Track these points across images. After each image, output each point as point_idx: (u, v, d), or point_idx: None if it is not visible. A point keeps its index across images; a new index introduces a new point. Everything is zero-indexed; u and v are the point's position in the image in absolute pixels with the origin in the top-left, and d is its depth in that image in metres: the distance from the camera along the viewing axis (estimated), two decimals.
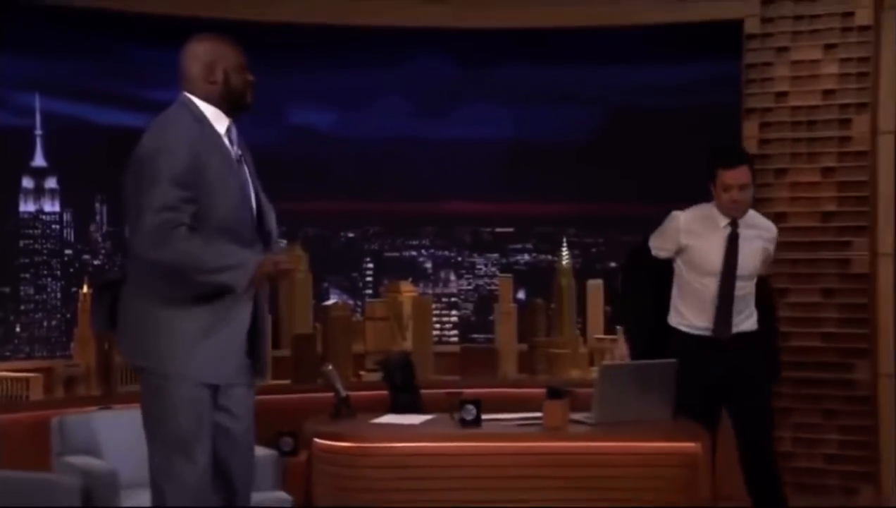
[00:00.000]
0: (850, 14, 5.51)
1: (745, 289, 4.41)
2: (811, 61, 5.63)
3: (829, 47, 5.58)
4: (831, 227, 5.62)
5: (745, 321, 4.41)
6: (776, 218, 5.65)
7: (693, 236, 4.44)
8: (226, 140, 3.24)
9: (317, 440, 4.22)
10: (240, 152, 3.27)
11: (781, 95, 5.68)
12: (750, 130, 5.72)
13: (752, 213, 4.49)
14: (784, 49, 5.67)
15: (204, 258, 3.07)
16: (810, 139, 5.64)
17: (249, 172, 3.29)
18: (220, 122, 3.25)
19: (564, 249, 6.52)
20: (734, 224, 4.40)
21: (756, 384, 4.42)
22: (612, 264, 6.66)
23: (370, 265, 6.92)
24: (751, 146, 5.71)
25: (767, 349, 4.54)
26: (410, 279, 6.69)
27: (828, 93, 5.60)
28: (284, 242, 3.47)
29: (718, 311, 4.35)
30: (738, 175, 4.36)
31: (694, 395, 4.27)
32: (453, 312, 6.86)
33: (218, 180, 3.15)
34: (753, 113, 5.73)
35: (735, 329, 4.37)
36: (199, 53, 3.27)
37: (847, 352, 5.59)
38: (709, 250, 4.39)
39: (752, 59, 5.72)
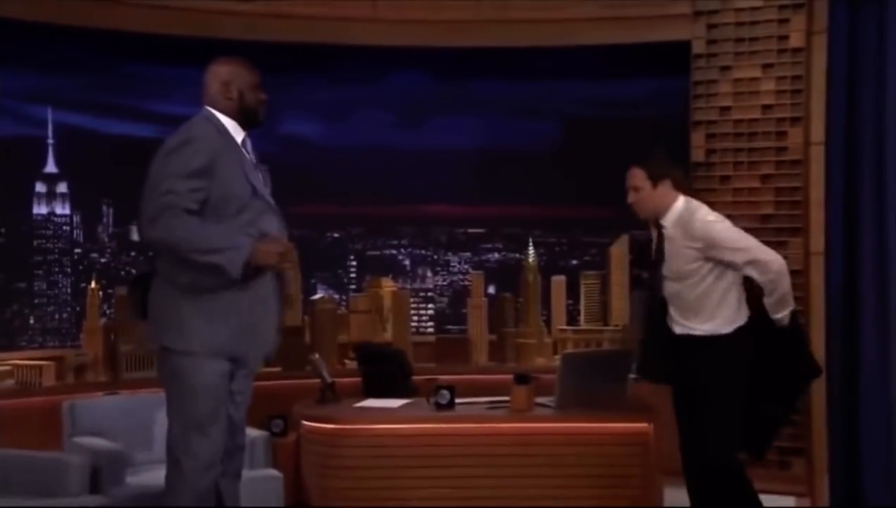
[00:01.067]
0: (786, 37, 5.55)
1: (678, 290, 4.05)
2: (751, 79, 5.65)
3: (766, 67, 5.61)
4: (769, 228, 5.64)
5: (699, 323, 4.00)
6: None
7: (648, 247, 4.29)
8: (242, 149, 3.34)
9: (304, 422, 4.24)
10: (255, 160, 3.37)
11: (725, 109, 5.71)
12: (697, 141, 5.76)
13: (690, 214, 4.09)
14: (727, 68, 5.70)
15: (196, 239, 3.12)
16: (751, 149, 5.67)
17: (264, 179, 3.37)
18: (237, 133, 3.36)
19: (531, 248, 6.55)
20: (659, 225, 4.13)
21: (699, 390, 3.97)
22: (574, 262, 6.70)
23: (354, 263, 6.92)
24: (698, 155, 5.75)
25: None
26: (391, 276, 6.70)
27: (766, 108, 5.63)
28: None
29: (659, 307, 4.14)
30: (628, 178, 4.18)
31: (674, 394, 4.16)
32: (429, 305, 6.88)
33: (233, 179, 3.23)
34: (700, 125, 5.76)
35: (682, 331, 4.03)
36: (219, 73, 3.42)
37: None
38: (650, 253, 4.24)
39: (699, 76, 5.76)
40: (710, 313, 3.98)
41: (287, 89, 6.42)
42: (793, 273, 5.52)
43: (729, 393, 3.90)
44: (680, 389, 4.06)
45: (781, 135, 5.60)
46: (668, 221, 4.08)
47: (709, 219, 4.04)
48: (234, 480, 3.39)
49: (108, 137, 6.32)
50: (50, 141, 6.21)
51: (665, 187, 4.04)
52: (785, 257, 5.53)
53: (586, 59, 6.34)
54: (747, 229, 5.59)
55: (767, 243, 5.54)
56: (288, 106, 6.58)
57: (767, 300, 4.00)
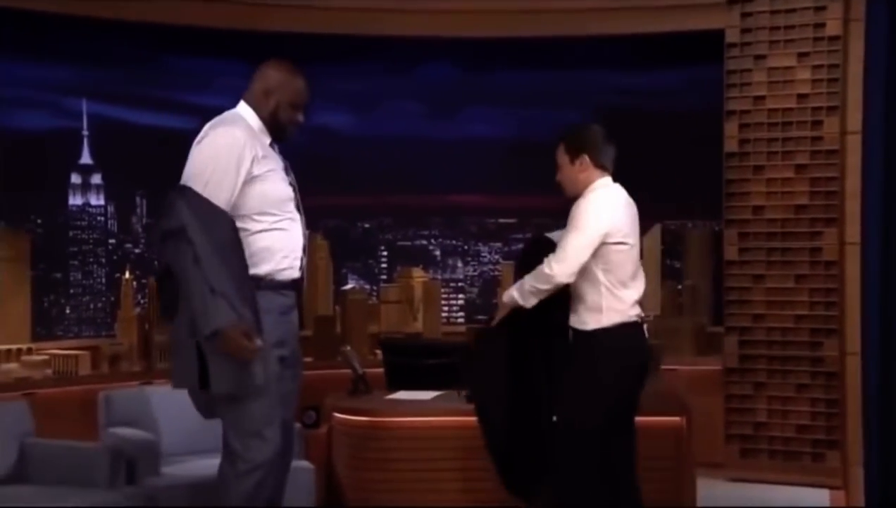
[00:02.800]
0: (822, 25, 5.43)
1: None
2: (786, 68, 5.55)
3: (802, 55, 5.50)
4: (804, 218, 5.56)
5: (571, 312, 3.57)
6: (754, 211, 5.65)
7: None
8: (269, 149, 3.26)
9: (336, 414, 4.20)
10: (284, 166, 3.29)
11: (759, 98, 5.61)
12: (730, 131, 5.65)
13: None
14: (761, 57, 5.59)
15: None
16: (785, 139, 5.57)
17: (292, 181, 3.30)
18: (264, 135, 3.26)
19: None
20: None
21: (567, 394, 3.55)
22: None
23: (384, 253, 6.90)
24: (731, 145, 5.65)
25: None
26: (421, 266, 6.67)
27: (801, 97, 5.52)
28: None
29: None
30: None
31: None
32: (460, 295, 6.83)
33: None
34: (733, 115, 5.66)
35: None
36: (267, 77, 3.29)
37: (817, 332, 5.53)
38: None
39: (733, 65, 5.65)
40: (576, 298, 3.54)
41: (318, 80, 6.35)
42: (827, 264, 5.48)
43: (586, 393, 3.48)
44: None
45: (817, 124, 5.49)
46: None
47: (592, 198, 3.53)
48: (284, 475, 3.34)
49: (142, 129, 6.33)
50: (85, 133, 6.24)
51: (581, 165, 3.55)
52: (819, 248, 5.50)
53: (618, 48, 6.25)
54: (781, 220, 5.59)
55: (801, 234, 5.54)
56: (319, 97, 6.49)
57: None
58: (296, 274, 3.27)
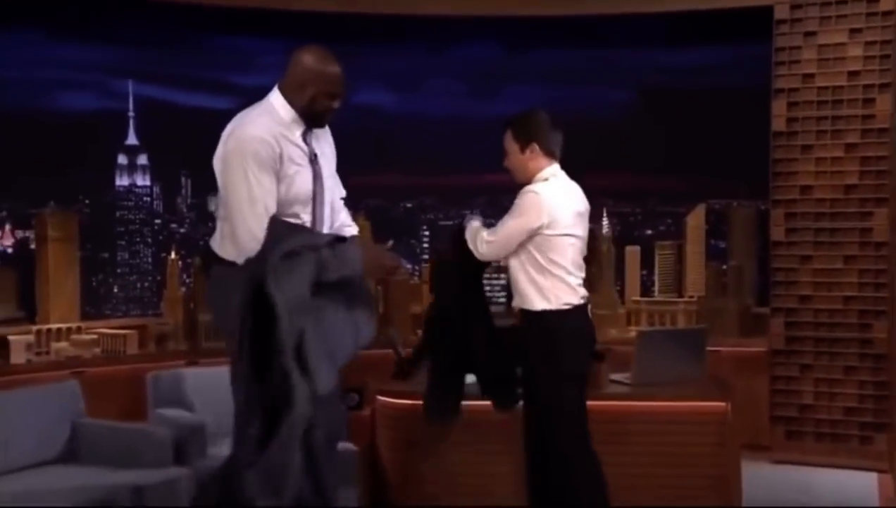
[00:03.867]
0: (875, 0, 5.28)
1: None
2: (837, 45, 5.40)
3: (854, 31, 5.36)
4: (853, 198, 5.44)
5: (516, 294, 3.63)
6: (801, 191, 5.53)
7: None
8: (300, 140, 3.13)
9: (379, 397, 4.19)
10: (315, 152, 3.16)
11: (808, 76, 5.47)
12: (778, 109, 5.53)
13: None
14: (811, 33, 5.45)
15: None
16: (835, 117, 5.44)
17: (326, 170, 3.18)
18: (297, 125, 3.13)
19: (604, 218, 6.40)
20: None
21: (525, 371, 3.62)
22: (649, 232, 6.54)
23: (426, 233, 6.87)
24: (779, 124, 5.53)
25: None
26: None
27: (852, 74, 5.38)
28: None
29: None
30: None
31: None
32: (501, 275, 6.76)
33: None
34: (781, 93, 5.53)
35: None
36: (302, 67, 3.11)
37: (866, 313, 5.43)
38: None
39: (782, 42, 5.51)
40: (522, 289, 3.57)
41: (360, 60, 6.37)
42: (877, 245, 5.36)
43: (542, 372, 3.52)
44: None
45: (868, 102, 5.35)
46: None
47: (530, 189, 3.53)
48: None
49: (187, 110, 6.36)
50: (131, 114, 6.27)
51: (531, 152, 3.54)
52: (869, 228, 5.37)
53: (661, 26, 6.13)
54: (829, 200, 5.46)
55: (851, 214, 5.41)
56: (361, 77, 6.52)
57: None
58: None
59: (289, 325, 2.81)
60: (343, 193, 3.31)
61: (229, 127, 3.11)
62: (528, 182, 3.56)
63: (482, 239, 3.57)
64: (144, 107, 6.28)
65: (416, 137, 6.58)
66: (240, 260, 2.99)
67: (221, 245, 3.12)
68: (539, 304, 3.52)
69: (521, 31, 6.38)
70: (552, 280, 3.51)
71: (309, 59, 3.12)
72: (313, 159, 3.15)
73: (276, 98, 3.15)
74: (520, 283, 3.55)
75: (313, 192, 3.14)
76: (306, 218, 3.12)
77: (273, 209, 3.01)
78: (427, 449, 4.01)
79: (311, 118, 3.15)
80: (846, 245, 5.46)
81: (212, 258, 3.17)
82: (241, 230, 2.99)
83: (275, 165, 3.01)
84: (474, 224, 3.66)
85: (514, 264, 3.56)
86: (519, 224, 3.49)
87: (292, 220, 3.09)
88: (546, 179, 3.54)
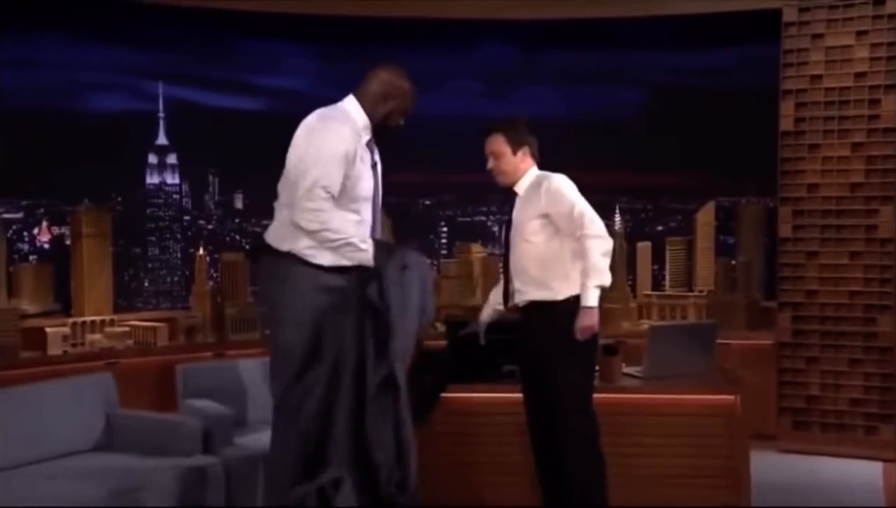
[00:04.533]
0: (882, 3, 5.23)
1: (518, 249, 3.64)
2: (844, 47, 5.36)
3: (860, 34, 5.31)
4: (859, 196, 5.40)
5: (531, 288, 3.61)
6: (808, 189, 5.50)
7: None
8: (366, 146, 3.28)
9: None
10: (376, 160, 3.32)
11: (816, 77, 5.43)
12: (786, 110, 5.49)
13: (542, 177, 3.66)
14: (819, 36, 5.40)
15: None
16: (841, 117, 5.39)
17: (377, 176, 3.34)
18: (367, 133, 3.29)
19: (617, 214, 6.38)
20: (514, 193, 3.72)
21: (537, 361, 3.58)
22: (660, 228, 6.52)
23: (445, 229, 6.88)
24: (787, 124, 5.49)
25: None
26: (480, 241, 6.62)
27: (859, 75, 5.33)
28: None
29: (503, 279, 3.75)
30: (486, 144, 3.71)
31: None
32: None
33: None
34: (789, 94, 5.49)
35: (519, 297, 3.64)
36: (386, 82, 3.32)
37: (871, 308, 5.39)
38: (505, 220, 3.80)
39: (790, 45, 5.46)
40: (545, 277, 3.57)
41: (381, 61, 6.35)
42: (883, 241, 5.32)
43: (578, 370, 3.54)
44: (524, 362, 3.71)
45: (874, 103, 5.31)
46: (521, 188, 3.69)
47: (558, 176, 3.62)
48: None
49: (215, 110, 6.38)
50: (161, 115, 6.30)
51: (523, 154, 3.66)
52: (874, 225, 5.33)
53: (672, 28, 6.10)
54: (836, 198, 5.42)
55: (857, 211, 5.37)
56: None
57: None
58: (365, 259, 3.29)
59: (398, 330, 3.10)
60: None
61: (310, 123, 3.23)
62: (514, 183, 3.67)
63: (591, 234, 3.49)
64: (174, 108, 6.31)
65: (434, 136, 6.57)
66: (304, 222, 3.11)
67: (277, 234, 3.24)
68: (570, 291, 3.53)
69: (537, 34, 6.37)
70: (570, 265, 3.57)
71: (393, 75, 3.32)
72: (374, 166, 3.29)
73: (351, 105, 3.30)
74: (554, 273, 3.53)
75: (373, 195, 3.28)
76: (366, 217, 3.27)
77: (337, 184, 3.13)
78: (445, 441, 4.00)
79: (381, 130, 3.31)
80: (852, 242, 5.42)
81: (263, 250, 3.29)
82: (308, 178, 3.09)
83: (349, 158, 3.16)
84: (593, 298, 3.48)
85: (553, 253, 3.54)
86: (578, 195, 3.56)
87: (353, 216, 3.22)
88: (545, 175, 3.64)
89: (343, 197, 3.17)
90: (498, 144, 3.67)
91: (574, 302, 3.50)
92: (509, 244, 3.69)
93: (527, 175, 3.67)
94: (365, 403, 3.13)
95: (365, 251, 3.18)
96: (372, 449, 3.12)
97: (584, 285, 3.47)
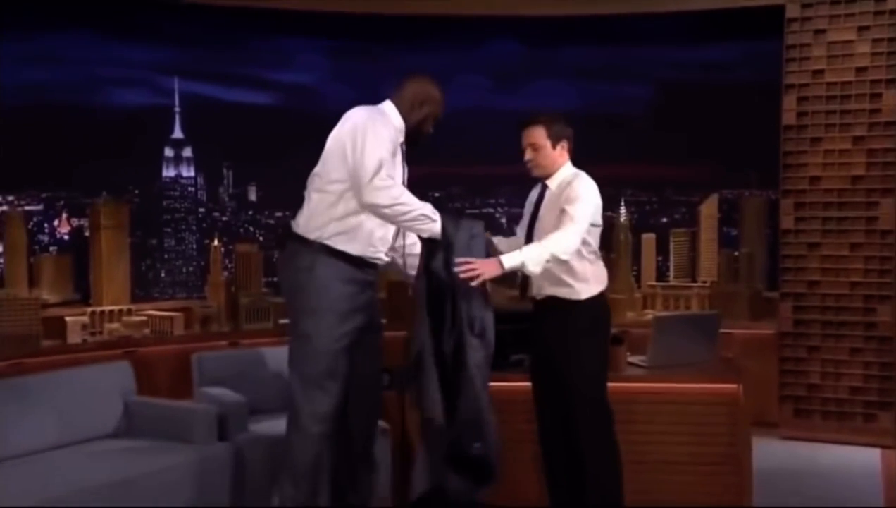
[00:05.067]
0: None
1: None
2: (845, 42, 5.31)
3: (862, 29, 5.26)
4: (860, 189, 5.36)
5: (550, 285, 3.49)
6: (810, 181, 5.45)
7: (528, 204, 3.72)
8: (400, 149, 3.38)
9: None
10: (405, 164, 3.42)
11: (818, 72, 5.38)
12: (788, 104, 5.45)
13: (573, 176, 3.54)
14: (821, 31, 5.36)
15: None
16: (843, 111, 5.35)
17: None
18: (401, 135, 3.38)
19: (622, 206, 6.35)
20: (544, 185, 3.61)
21: (552, 352, 3.49)
22: (664, 220, 6.49)
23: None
24: (789, 118, 5.45)
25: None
26: (489, 233, 6.57)
27: (860, 70, 5.29)
28: None
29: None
30: (525, 136, 3.59)
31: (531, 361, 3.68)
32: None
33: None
34: (792, 88, 5.44)
35: (538, 292, 3.52)
36: (424, 89, 3.42)
37: (871, 298, 5.35)
38: (527, 211, 3.69)
39: (792, 40, 5.42)
40: (567, 275, 3.47)
41: (391, 57, 6.34)
42: (883, 233, 5.28)
43: (595, 362, 3.50)
44: (538, 354, 3.63)
45: (875, 97, 5.27)
46: (554, 183, 3.58)
47: (587, 180, 3.51)
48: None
49: (229, 105, 6.37)
50: (177, 109, 6.29)
51: (562, 148, 3.58)
52: (875, 217, 5.29)
53: (677, 24, 6.06)
54: (837, 190, 5.38)
55: (857, 204, 5.33)
56: (392, 72, 6.48)
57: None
58: (384, 258, 3.43)
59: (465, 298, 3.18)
60: None
61: (361, 116, 3.27)
62: (550, 175, 3.58)
63: (557, 240, 3.33)
64: (189, 103, 6.30)
65: (443, 129, 6.54)
66: (377, 199, 3.15)
67: (306, 220, 3.31)
68: (592, 289, 3.49)
69: (544, 30, 6.34)
70: (600, 265, 3.55)
71: (427, 84, 3.43)
72: (403, 169, 3.39)
73: (389, 108, 3.38)
74: (576, 273, 3.45)
75: None
76: None
77: (392, 172, 3.22)
78: None
79: (413, 134, 3.40)
80: (853, 233, 5.38)
81: (289, 237, 3.35)
82: (372, 159, 3.14)
83: (394, 154, 3.26)
84: (515, 259, 3.31)
85: (577, 254, 3.43)
86: (584, 216, 3.41)
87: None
88: (581, 176, 3.54)
89: None
90: (538, 136, 3.57)
91: (593, 301, 3.49)
92: (532, 235, 3.57)
93: (561, 170, 3.58)
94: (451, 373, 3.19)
95: (436, 222, 3.23)
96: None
97: (524, 250, 3.33)
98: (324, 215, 3.27)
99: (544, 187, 3.61)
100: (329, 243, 3.27)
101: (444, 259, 3.22)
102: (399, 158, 3.35)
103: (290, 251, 3.35)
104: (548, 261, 3.34)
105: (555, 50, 6.47)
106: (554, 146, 3.58)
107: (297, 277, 3.29)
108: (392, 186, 3.18)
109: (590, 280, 3.50)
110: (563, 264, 3.41)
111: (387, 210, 3.18)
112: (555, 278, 3.48)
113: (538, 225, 3.58)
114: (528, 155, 3.59)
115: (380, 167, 3.15)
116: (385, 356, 4.09)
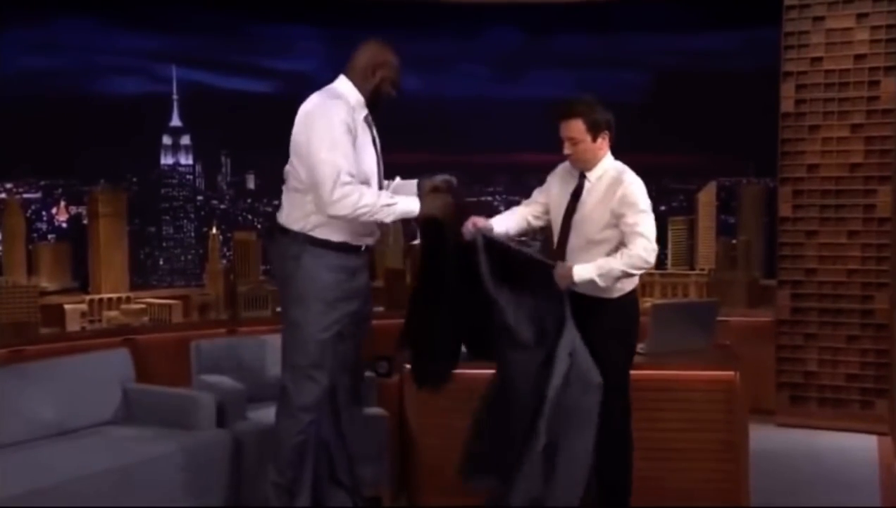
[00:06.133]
0: None
1: (582, 245, 3.42)
2: (844, 29, 5.29)
3: (860, 16, 5.24)
4: (858, 176, 5.35)
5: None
6: (808, 169, 5.44)
7: (555, 186, 3.60)
8: (364, 122, 3.30)
9: (407, 366, 4.17)
10: (374, 136, 3.35)
11: (816, 59, 5.36)
12: (787, 92, 5.43)
13: (618, 172, 3.45)
14: (820, 18, 5.33)
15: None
16: (841, 99, 5.33)
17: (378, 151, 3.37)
18: (362, 109, 3.31)
19: None
20: (582, 176, 3.48)
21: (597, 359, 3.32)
22: (662, 208, 6.47)
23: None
24: (787, 106, 5.43)
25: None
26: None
27: (858, 57, 5.27)
28: None
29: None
30: (564, 129, 3.45)
31: None
32: (524, 249, 6.72)
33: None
34: (790, 76, 5.42)
35: (577, 289, 3.33)
36: (373, 55, 3.33)
37: (868, 286, 5.36)
38: (559, 201, 3.53)
39: (791, 27, 5.39)
40: None
41: (391, 45, 6.31)
42: (880, 221, 5.27)
43: (623, 355, 3.46)
44: None
45: (874, 85, 5.25)
46: (594, 175, 3.46)
47: (636, 179, 3.42)
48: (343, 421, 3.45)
49: (227, 92, 6.33)
50: (175, 97, 6.24)
51: (602, 140, 3.45)
52: (872, 205, 5.27)
53: (674, 11, 6.04)
54: (835, 178, 5.37)
55: (855, 191, 5.32)
56: None
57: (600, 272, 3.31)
58: (370, 241, 3.40)
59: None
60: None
61: (308, 108, 3.23)
62: (589, 169, 3.46)
63: (640, 249, 3.28)
64: (187, 90, 6.26)
65: (441, 118, 6.52)
66: (338, 214, 3.16)
67: (287, 214, 3.32)
68: (626, 287, 3.43)
69: (542, 18, 6.30)
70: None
71: (377, 48, 3.33)
72: (374, 142, 3.32)
73: (342, 85, 3.32)
74: None
75: (377, 169, 3.33)
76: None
77: (352, 162, 3.15)
78: (451, 415, 3.98)
79: (374, 102, 3.31)
80: (850, 221, 5.38)
81: (276, 230, 3.35)
82: (325, 169, 3.11)
83: (351, 134, 3.18)
84: (586, 271, 3.28)
85: (606, 253, 3.35)
86: (652, 218, 3.37)
87: None
88: (628, 172, 3.44)
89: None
90: (577, 130, 3.42)
91: (625, 298, 3.44)
92: (570, 225, 3.45)
93: (602, 163, 3.45)
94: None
95: (398, 202, 3.22)
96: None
97: (597, 265, 3.29)
98: (302, 209, 3.28)
99: (581, 178, 3.47)
100: (312, 233, 3.27)
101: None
102: (363, 135, 3.26)
103: (278, 242, 3.35)
104: (618, 278, 3.31)
105: (554, 37, 6.45)
106: (594, 138, 3.43)
107: (286, 266, 3.31)
108: (350, 194, 3.12)
109: (623, 279, 3.40)
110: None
111: (352, 217, 3.17)
112: None
113: (581, 221, 3.43)
114: (567, 149, 3.45)
115: (336, 175, 3.10)
116: (383, 344, 4.10)
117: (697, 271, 6.25)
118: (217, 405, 4.02)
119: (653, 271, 6.27)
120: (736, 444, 3.97)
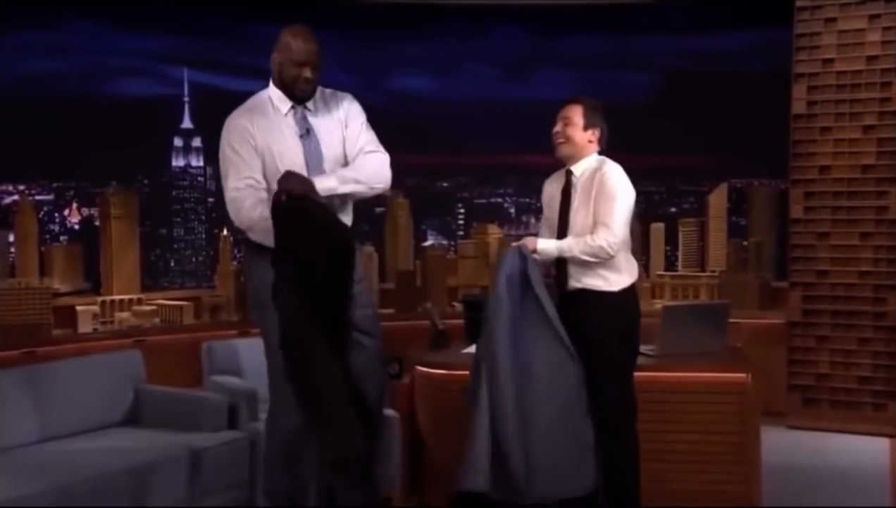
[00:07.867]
0: None
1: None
2: (856, 31, 5.26)
3: (873, 18, 5.21)
4: (870, 178, 5.32)
5: (585, 276, 3.41)
6: (820, 171, 5.42)
7: (549, 190, 3.61)
8: (289, 118, 3.14)
9: (418, 367, 4.18)
10: (309, 128, 3.15)
11: (828, 61, 5.34)
12: (798, 93, 5.40)
13: (599, 163, 3.48)
14: (832, 20, 5.31)
15: None
16: (853, 100, 5.30)
17: (326, 139, 3.17)
18: (283, 103, 3.16)
19: None
20: (569, 173, 3.50)
21: (581, 343, 3.35)
22: (672, 210, 6.46)
23: (462, 211, 6.85)
24: (799, 107, 5.41)
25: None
26: (496, 222, 6.59)
27: (871, 59, 5.24)
28: None
29: (556, 262, 3.47)
30: (562, 111, 3.50)
31: None
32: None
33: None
34: (802, 77, 5.40)
35: (573, 284, 3.42)
36: (277, 43, 3.17)
37: (880, 288, 5.32)
38: (554, 202, 3.54)
39: (802, 29, 5.37)
40: (600, 267, 3.39)
41: (399, 46, 6.33)
42: (892, 222, 5.26)
43: (626, 354, 3.45)
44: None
45: (885, 86, 5.22)
46: (579, 169, 3.48)
47: (614, 167, 3.46)
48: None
49: (238, 94, 6.26)
50: (186, 99, 6.28)
51: (592, 135, 3.47)
52: (885, 206, 5.25)
53: (688, 12, 6.02)
54: (846, 179, 5.35)
55: (867, 193, 5.29)
56: (399, 62, 6.49)
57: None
58: None
59: None
60: (365, 144, 3.21)
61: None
62: (574, 158, 3.48)
63: (600, 236, 3.31)
64: (198, 93, 6.29)
65: (450, 119, 6.54)
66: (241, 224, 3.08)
67: (239, 222, 3.16)
68: (625, 281, 3.43)
69: (551, 19, 6.32)
70: (630, 255, 3.49)
71: (282, 34, 3.15)
72: (304, 136, 3.13)
73: (270, 84, 3.19)
74: (609, 264, 3.37)
75: (305, 163, 3.10)
76: None
77: (257, 175, 3.05)
78: (463, 416, 3.98)
79: (288, 90, 3.14)
80: (862, 222, 5.35)
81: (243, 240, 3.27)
82: (229, 193, 3.06)
83: (252, 140, 3.07)
84: (551, 246, 3.38)
85: None
86: (626, 206, 3.38)
87: None
88: (609, 163, 3.47)
89: (272, 175, 3.04)
90: (574, 112, 3.47)
91: (624, 292, 3.43)
92: (566, 222, 3.45)
93: (587, 159, 3.48)
94: None
95: (267, 201, 3.01)
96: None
97: (565, 242, 3.37)
98: (243, 217, 3.10)
99: (568, 175, 3.49)
100: (254, 239, 3.13)
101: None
102: (285, 130, 3.11)
103: (244, 252, 3.32)
104: (579, 260, 3.34)
105: (562, 39, 6.45)
106: (586, 128, 3.47)
107: (247, 273, 3.28)
108: (239, 210, 3.04)
109: (623, 272, 3.43)
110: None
111: (253, 226, 3.05)
112: (592, 269, 3.40)
113: (573, 216, 3.43)
114: (557, 127, 3.49)
115: (234, 194, 3.04)
116: (395, 346, 4.10)
117: (708, 273, 6.23)
118: (228, 407, 4.03)
119: (663, 272, 6.27)
120: (747, 446, 3.95)
